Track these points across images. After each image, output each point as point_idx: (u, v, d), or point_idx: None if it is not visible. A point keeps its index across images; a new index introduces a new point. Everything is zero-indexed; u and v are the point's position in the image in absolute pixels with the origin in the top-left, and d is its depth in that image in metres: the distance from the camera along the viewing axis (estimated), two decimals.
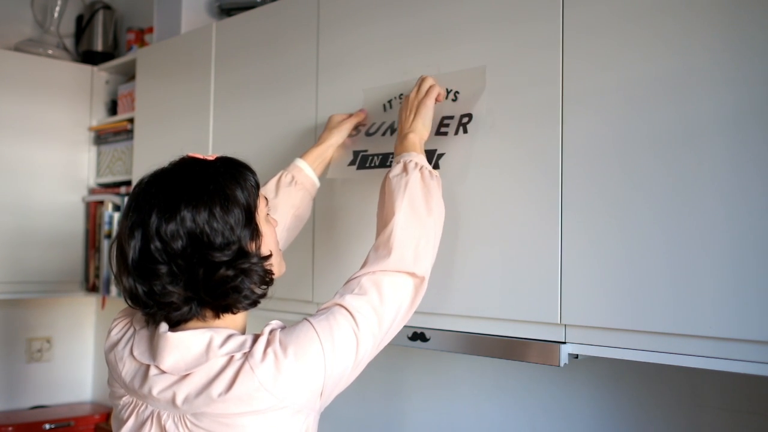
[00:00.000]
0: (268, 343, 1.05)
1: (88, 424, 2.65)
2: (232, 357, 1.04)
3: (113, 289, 2.47)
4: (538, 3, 1.32)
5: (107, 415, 2.70)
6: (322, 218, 1.68)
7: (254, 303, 1.12)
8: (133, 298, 1.09)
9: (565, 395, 1.60)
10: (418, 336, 1.45)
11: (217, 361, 1.04)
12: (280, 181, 1.51)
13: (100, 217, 2.57)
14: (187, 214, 1.05)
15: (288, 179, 1.51)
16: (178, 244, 1.05)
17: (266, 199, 1.20)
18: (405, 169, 1.27)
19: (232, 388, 1.01)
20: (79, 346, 2.95)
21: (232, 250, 1.07)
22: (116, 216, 2.51)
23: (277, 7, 1.85)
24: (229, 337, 1.07)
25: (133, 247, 1.06)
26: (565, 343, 1.26)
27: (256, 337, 1.07)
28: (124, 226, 1.09)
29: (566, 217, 1.26)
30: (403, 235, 1.20)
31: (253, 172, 1.17)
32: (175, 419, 1.06)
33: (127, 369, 1.13)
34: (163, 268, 1.05)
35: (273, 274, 1.15)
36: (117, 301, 2.77)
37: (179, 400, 1.05)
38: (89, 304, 2.98)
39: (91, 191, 2.68)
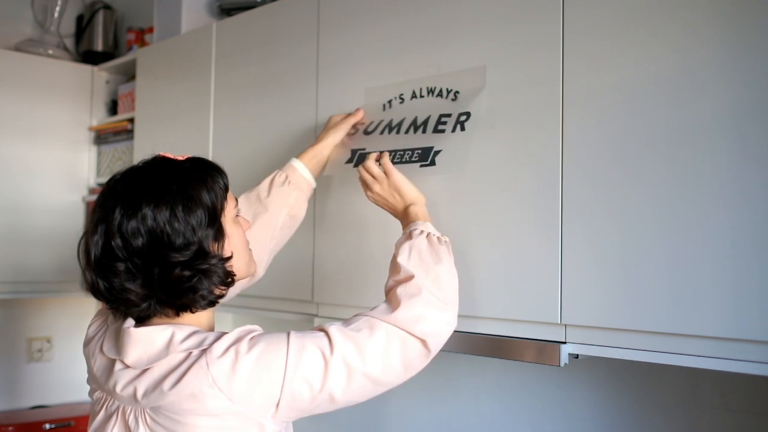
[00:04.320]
0: (236, 341, 1.05)
1: (88, 424, 2.65)
2: (190, 353, 1.05)
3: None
4: (538, 3, 1.32)
5: None
6: (322, 218, 1.68)
7: (212, 303, 1.13)
8: (95, 292, 1.10)
9: (565, 395, 1.60)
10: None
11: (176, 356, 1.05)
12: (273, 181, 1.51)
13: None
14: (148, 212, 1.06)
15: (281, 179, 1.52)
16: (138, 242, 1.06)
17: (236, 199, 1.21)
18: (410, 236, 1.25)
19: (183, 382, 1.02)
20: (79, 346, 2.90)
21: (191, 251, 1.08)
22: None
23: (277, 7, 1.85)
24: (192, 333, 1.08)
25: (96, 243, 1.08)
26: (565, 343, 1.26)
27: (221, 335, 1.07)
28: (91, 221, 1.11)
29: (566, 217, 1.26)
30: (406, 293, 1.16)
31: (221, 174, 1.17)
32: (136, 414, 1.08)
33: (98, 364, 1.15)
34: (121, 266, 1.06)
35: (234, 274, 1.15)
36: None
37: (139, 395, 1.06)
38: (89, 304, 2.97)
39: (92, 191, 2.68)
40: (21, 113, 2.50)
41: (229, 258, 1.13)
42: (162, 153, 1.17)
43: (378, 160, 1.37)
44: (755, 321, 1.06)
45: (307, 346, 1.06)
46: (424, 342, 1.13)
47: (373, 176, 1.36)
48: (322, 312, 1.68)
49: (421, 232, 1.25)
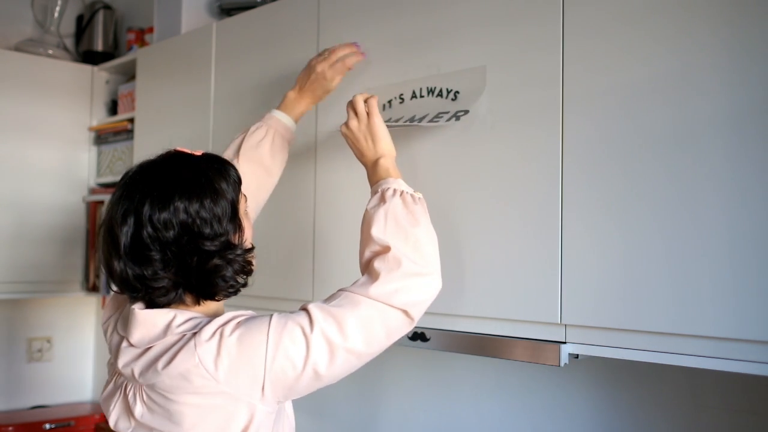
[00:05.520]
0: (223, 324, 1.08)
1: (88, 424, 2.65)
2: (183, 335, 1.09)
3: (114, 289, 2.47)
4: (538, 4, 1.32)
5: None
6: (323, 219, 1.68)
7: (236, 291, 1.18)
8: (123, 282, 1.13)
9: (565, 395, 1.60)
10: (418, 336, 1.45)
11: (172, 338, 1.10)
12: (274, 145, 1.52)
13: (101, 217, 2.57)
14: (180, 205, 1.10)
15: (280, 142, 1.53)
16: (171, 233, 1.10)
17: (245, 196, 1.24)
18: (383, 198, 1.22)
19: (173, 363, 1.06)
20: (79, 346, 2.95)
21: (221, 241, 1.13)
22: None
23: (277, 7, 1.85)
24: (191, 318, 1.12)
25: (125, 233, 1.10)
26: (565, 343, 1.26)
27: (212, 320, 1.10)
28: (115, 213, 1.12)
29: (566, 218, 1.26)
30: (385, 266, 1.14)
31: (235, 168, 1.22)
32: (135, 390, 1.13)
33: (114, 341, 1.21)
34: (156, 255, 1.10)
35: (252, 265, 1.20)
36: None
37: (137, 373, 1.11)
38: (89, 304, 2.98)
39: (92, 191, 2.68)
40: (21, 113, 2.51)
41: (251, 249, 1.19)
42: (178, 148, 1.20)
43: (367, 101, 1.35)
44: (755, 321, 1.06)
45: (287, 325, 1.08)
46: (405, 312, 1.13)
47: (355, 111, 1.34)
48: None
49: (395, 191, 1.22)
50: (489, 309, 1.35)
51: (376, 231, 1.18)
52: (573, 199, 1.25)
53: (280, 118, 1.55)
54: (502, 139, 1.36)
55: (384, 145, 1.31)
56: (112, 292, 1.28)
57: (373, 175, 1.30)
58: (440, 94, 1.47)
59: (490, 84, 1.38)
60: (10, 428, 2.47)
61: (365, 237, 1.20)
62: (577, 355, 1.26)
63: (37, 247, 2.53)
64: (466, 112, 1.40)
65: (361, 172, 1.42)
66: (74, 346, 2.93)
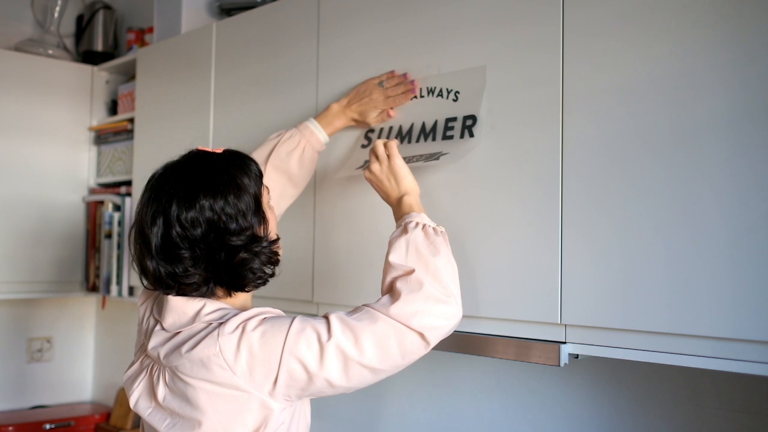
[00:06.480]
0: (248, 319, 1.13)
1: (88, 424, 2.65)
2: (210, 324, 1.14)
3: (113, 289, 2.47)
4: (538, 4, 1.32)
5: (107, 415, 2.71)
6: (323, 219, 1.68)
7: (265, 282, 1.23)
8: (156, 280, 1.18)
9: (565, 395, 1.60)
10: None
11: (199, 325, 1.15)
12: (304, 157, 1.56)
13: (101, 217, 2.57)
14: (205, 203, 1.15)
15: (310, 154, 1.58)
16: (198, 231, 1.15)
17: (267, 188, 1.29)
18: (405, 229, 1.23)
19: (196, 348, 1.11)
20: (80, 346, 2.95)
21: (246, 235, 1.17)
22: (116, 216, 2.51)
23: (277, 7, 1.85)
24: (220, 308, 1.17)
25: (156, 234, 1.16)
26: (565, 343, 1.26)
27: (239, 313, 1.14)
28: (145, 215, 1.18)
29: (566, 218, 1.26)
30: (407, 287, 1.15)
31: (256, 163, 1.26)
32: (160, 372, 1.18)
33: (149, 324, 1.27)
34: (186, 253, 1.15)
35: (278, 255, 1.24)
36: (117, 301, 2.77)
37: (162, 355, 1.17)
38: (89, 304, 2.98)
39: (91, 191, 2.68)
40: (21, 113, 2.51)
41: (276, 240, 1.24)
42: (199, 147, 1.25)
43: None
44: (754, 321, 1.06)
45: (306, 330, 1.11)
46: (422, 335, 1.13)
47: (376, 156, 1.36)
48: (322, 312, 1.68)
49: (417, 224, 1.24)
50: (489, 309, 1.36)
51: (398, 258, 1.20)
52: (573, 199, 1.25)
53: (315, 130, 1.58)
54: (502, 138, 1.36)
55: (407, 183, 1.33)
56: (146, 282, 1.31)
57: (398, 211, 1.32)
58: (440, 94, 1.47)
59: (491, 84, 1.39)
60: (10, 428, 2.47)
61: (387, 264, 1.22)
62: (577, 355, 1.26)
63: (37, 247, 2.53)
64: (474, 119, 1.39)
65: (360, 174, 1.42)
66: (74, 346, 2.93)
